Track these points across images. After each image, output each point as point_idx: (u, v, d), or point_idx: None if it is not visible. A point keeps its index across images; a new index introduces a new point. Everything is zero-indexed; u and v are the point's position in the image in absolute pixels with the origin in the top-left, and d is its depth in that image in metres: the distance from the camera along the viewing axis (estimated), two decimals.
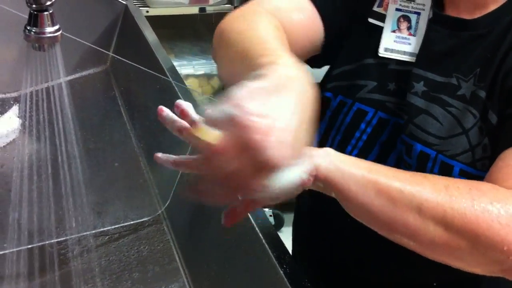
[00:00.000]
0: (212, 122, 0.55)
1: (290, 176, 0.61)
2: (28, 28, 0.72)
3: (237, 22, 0.80)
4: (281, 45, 0.71)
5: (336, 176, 0.64)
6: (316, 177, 0.65)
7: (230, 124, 0.53)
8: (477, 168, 0.76)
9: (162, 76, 1.27)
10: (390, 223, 0.64)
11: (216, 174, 0.55)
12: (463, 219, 0.61)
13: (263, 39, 0.71)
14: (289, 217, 2.40)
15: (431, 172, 0.79)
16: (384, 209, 0.63)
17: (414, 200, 0.62)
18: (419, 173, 0.66)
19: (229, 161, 0.53)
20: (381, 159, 0.86)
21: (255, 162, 0.52)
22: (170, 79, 1.25)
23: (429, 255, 0.65)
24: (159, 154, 0.75)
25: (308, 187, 0.65)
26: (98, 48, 1.50)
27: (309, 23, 0.88)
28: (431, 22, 0.85)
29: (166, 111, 0.72)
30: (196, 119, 0.67)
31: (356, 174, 0.64)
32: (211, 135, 0.54)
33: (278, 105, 0.54)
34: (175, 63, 1.79)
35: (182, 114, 0.69)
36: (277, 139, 0.53)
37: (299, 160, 0.62)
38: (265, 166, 0.53)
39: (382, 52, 0.87)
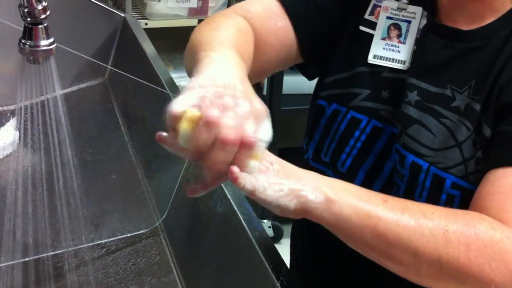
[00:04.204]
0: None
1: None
2: (22, 41, 0.72)
3: (205, 24, 0.84)
4: (229, 42, 0.75)
5: (330, 220, 0.64)
6: (306, 215, 0.65)
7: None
8: (470, 182, 0.76)
9: (160, 89, 1.27)
10: (384, 260, 0.66)
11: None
12: (456, 263, 0.63)
13: (214, 37, 0.76)
14: (288, 229, 2.38)
15: (423, 184, 0.79)
16: (379, 249, 0.65)
17: (411, 245, 0.63)
18: (419, 211, 0.65)
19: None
20: (376, 168, 0.86)
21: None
22: (168, 92, 1.25)
23: (416, 283, 0.67)
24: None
25: None
26: (96, 61, 1.50)
27: (282, 29, 0.90)
28: (426, 30, 0.85)
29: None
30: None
31: (353, 219, 0.64)
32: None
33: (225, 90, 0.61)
34: (174, 75, 1.79)
35: None
36: (226, 121, 0.58)
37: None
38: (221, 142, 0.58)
39: (371, 59, 0.87)
